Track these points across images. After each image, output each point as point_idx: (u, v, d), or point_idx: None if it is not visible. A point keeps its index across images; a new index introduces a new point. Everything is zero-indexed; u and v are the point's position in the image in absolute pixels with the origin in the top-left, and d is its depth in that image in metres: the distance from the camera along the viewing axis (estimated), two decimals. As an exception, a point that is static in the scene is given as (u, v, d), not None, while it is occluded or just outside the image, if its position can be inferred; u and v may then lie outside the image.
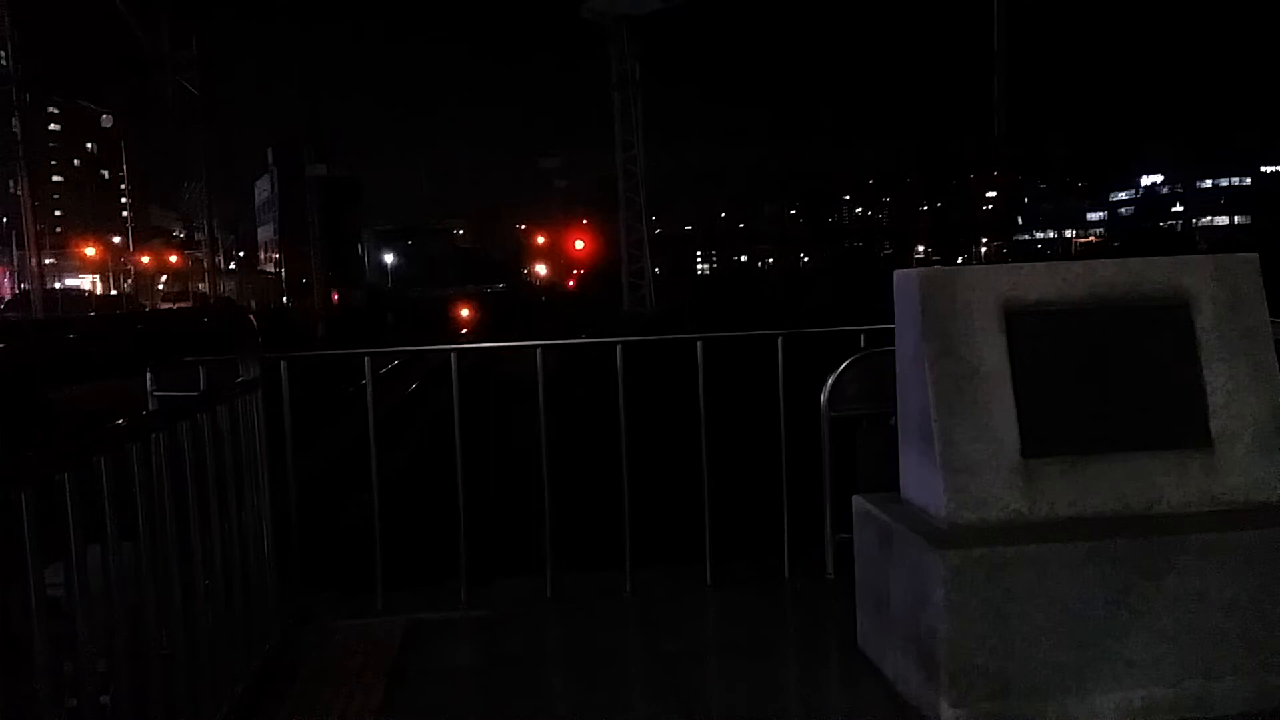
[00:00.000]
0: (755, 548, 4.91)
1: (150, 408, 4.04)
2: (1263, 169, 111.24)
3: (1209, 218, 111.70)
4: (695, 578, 4.79)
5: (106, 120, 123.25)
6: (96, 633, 2.48)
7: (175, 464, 3.09)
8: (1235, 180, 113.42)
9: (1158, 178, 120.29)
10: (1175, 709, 3.20)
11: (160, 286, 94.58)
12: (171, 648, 2.92)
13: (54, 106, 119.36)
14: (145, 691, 2.72)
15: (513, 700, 3.67)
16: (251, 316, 4.27)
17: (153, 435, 2.94)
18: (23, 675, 2.15)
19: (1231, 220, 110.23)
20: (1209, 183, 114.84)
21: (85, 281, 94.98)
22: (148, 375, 4.33)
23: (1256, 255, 3.73)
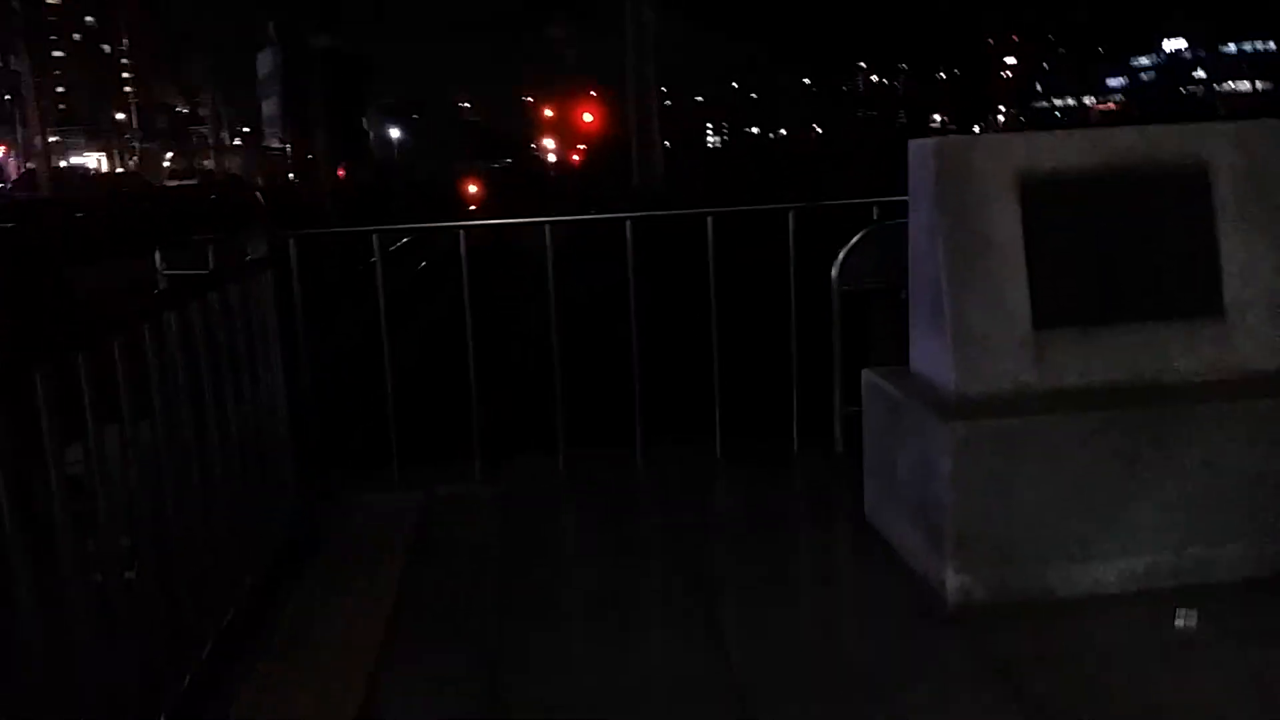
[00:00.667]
0: (766, 423, 4.95)
1: (160, 287, 4.05)
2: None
3: (1231, 83, 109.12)
4: (706, 452, 4.85)
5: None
6: (117, 510, 2.53)
7: (188, 343, 3.11)
8: (1259, 44, 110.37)
9: (1180, 43, 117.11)
10: (1177, 574, 3.26)
11: (165, 164, 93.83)
12: (191, 524, 2.99)
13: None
14: (168, 567, 2.79)
15: (528, 572, 3.75)
16: (258, 194, 4.24)
17: (164, 315, 2.95)
18: (48, 552, 2.20)
19: (1254, 86, 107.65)
20: (1232, 47, 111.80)
21: (90, 160, 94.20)
22: (156, 254, 4.33)
23: (1278, 121, 3.65)
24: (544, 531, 4.20)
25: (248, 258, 3.96)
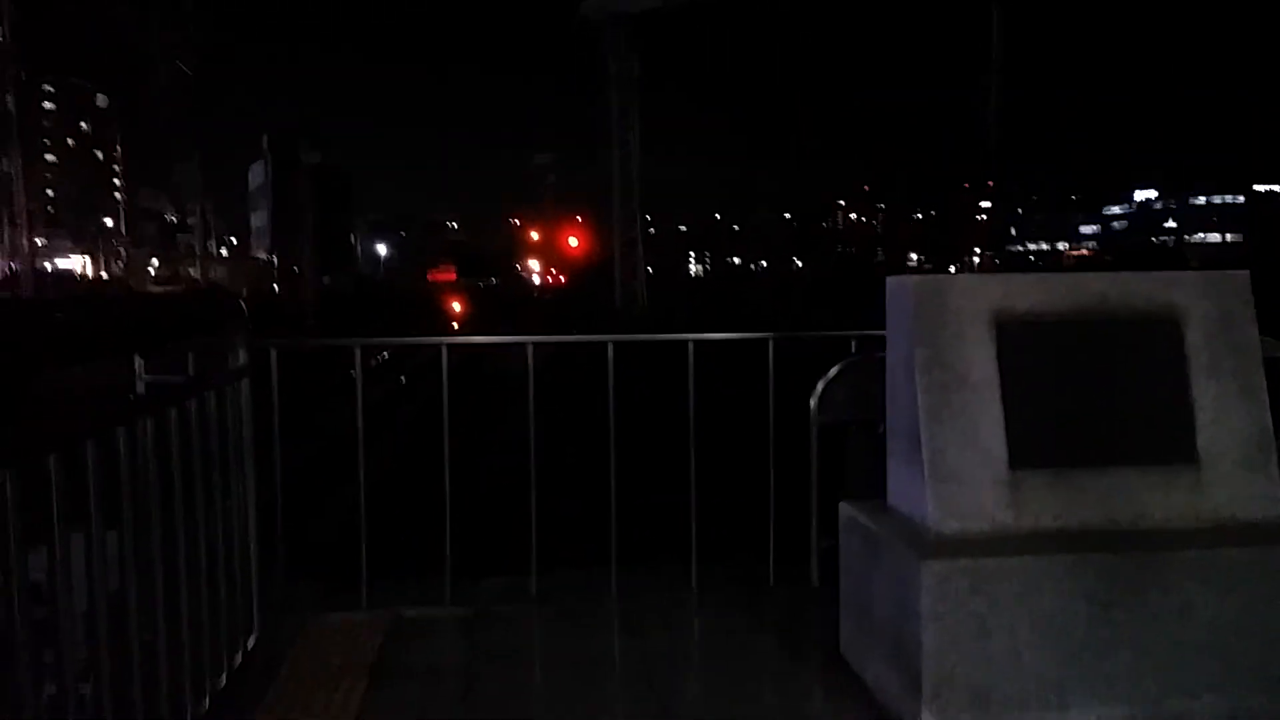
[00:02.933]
0: (742, 551, 4.91)
1: (138, 392, 4.02)
2: (1255, 187, 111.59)
3: (1201, 234, 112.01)
4: (680, 580, 4.78)
5: (102, 100, 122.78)
6: (78, 621, 2.47)
7: (162, 450, 3.07)
8: (1228, 198, 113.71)
9: (1151, 193, 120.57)
10: (1154, 725, 3.21)
11: (151, 270, 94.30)
12: (152, 638, 2.91)
13: (48, 84, 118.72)
14: (125, 681, 2.71)
15: (493, 700, 3.66)
16: (241, 303, 4.25)
17: (140, 421, 2.93)
18: (3, 660, 2.14)
19: (1224, 237, 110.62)
20: (1202, 199, 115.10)
21: (76, 263, 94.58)
22: (135, 360, 4.31)
23: (1247, 273, 3.74)
24: (510, 657, 4.11)
25: (227, 366, 3.95)
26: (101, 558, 2.60)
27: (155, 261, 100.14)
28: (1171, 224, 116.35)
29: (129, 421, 2.86)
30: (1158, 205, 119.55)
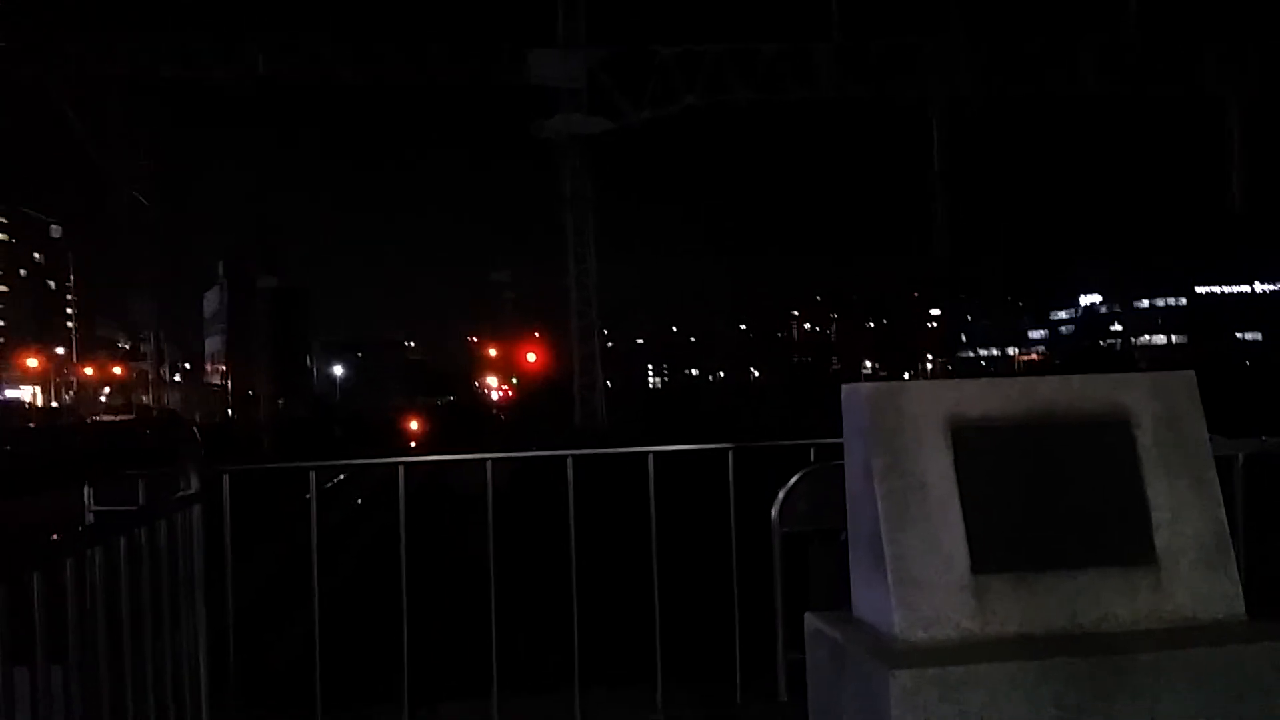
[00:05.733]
0: (707, 667, 4.82)
1: (87, 522, 3.93)
2: (1196, 289, 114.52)
3: (1146, 336, 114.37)
4: (645, 702, 4.68)
5: (55, 230, 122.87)
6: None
7: (110, 581, 3.00)
8: (1170, 300, 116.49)
9: (1096, 298, 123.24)
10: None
11: (103, 398, 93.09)
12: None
13: (2, 216, 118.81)
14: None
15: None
16: (194, 429, 4.21)
17: (88, 551, 2.86)
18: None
19: (1169, 339, 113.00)
20: (1145, 302, 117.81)
21: (26, 393, 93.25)
22: (85, 489, 4.22)
23: (1192, 372, 3.82)
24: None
25: (179, 493, 3.88)
26: (46, 693, 2.51)
27: (107, 389, 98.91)
28: (1117, 327, 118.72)
29: (76, 552, 2.79)
30: (1103, 310, 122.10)
